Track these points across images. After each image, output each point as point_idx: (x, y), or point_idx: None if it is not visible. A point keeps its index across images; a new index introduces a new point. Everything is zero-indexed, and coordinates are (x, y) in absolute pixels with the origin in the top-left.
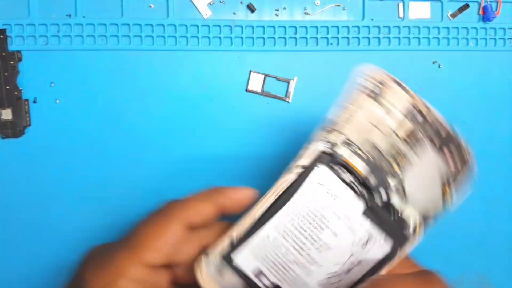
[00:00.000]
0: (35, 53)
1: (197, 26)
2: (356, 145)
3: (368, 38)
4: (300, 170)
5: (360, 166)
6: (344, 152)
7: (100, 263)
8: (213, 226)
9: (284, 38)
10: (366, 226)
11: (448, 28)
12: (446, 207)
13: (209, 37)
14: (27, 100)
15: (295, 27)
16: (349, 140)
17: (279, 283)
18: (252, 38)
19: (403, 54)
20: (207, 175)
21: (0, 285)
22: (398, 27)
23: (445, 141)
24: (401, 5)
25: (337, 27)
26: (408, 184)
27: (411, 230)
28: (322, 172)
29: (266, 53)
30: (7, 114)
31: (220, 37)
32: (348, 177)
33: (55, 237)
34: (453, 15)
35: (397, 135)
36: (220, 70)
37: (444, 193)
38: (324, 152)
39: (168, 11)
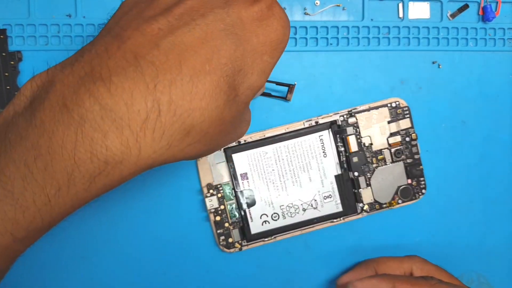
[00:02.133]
0: (35, 53)
1: None
2: (359, 132)
3: (368, 38)
4: (313, 123)
5: (353, 145)
6: (349, 131)
7: None
8: None
9: None
10: (332, 186)
11: (447, 28)
12: (390, 207)
13: None
14: None
15: (295, 27)
16: (357, 124)
17: (254, 190)
18: None
19: (402, 54)
20: None
21: None
22: (398, 27)
23: (412, 166)
24: (400, 5)
25: (337, 27)
26: (375, 177)
27: (361, 206)
28: (326, 133)
29: None
30: None
31: None
32: (341, 147)
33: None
34: (453, 15)
35: (388, 141)
36: None
37: (393, 198)
38: (336, 122)
39: None
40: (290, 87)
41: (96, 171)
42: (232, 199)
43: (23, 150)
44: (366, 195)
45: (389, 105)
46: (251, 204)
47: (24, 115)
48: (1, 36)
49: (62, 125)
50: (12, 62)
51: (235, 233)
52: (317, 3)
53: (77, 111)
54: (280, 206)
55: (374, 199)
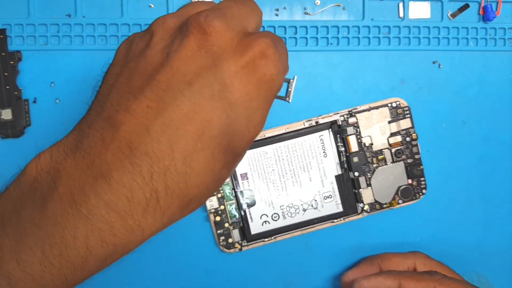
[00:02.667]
0: (35, 53)
1: None
2: (360, 132)
3: (368, 38)
4: (313, 123)
5: (353, 145)
6: (349, 131)
7: None
8: None
9: (284, 38)
10: (333, 186)
11: (448, 28)
12: (391, 207)
13: None
14: (27, 100)
15: (295, 27)
16: (357, 124)
17: (254, 190)
18: None
19: (403, 54)
20: None
21: None
22: (398, 27)
23: (413, 166)
24: (401, 5)
25: (337, 27)
26: (375, 177)
27: (361, 206)
28: (326, 133)
29: None
30: (7, 114)
31: None
32: (341, 147)
33: None
34: (453, 15)
35: (388, 141)
36: None
37: (393, 198)
38: (336, 122)
39: (168, 11)
40: (290, 82)
41: (107, 253)
42: (232, 199)
43: (38, 238)
44: (367, 195)
45: (389, 105)
46: (251, 204)
47: (34, 202)
48: (1, 36)
49: (72, 219)
50: (11, 62)
51: (235, 233)
52: (317, 2)
53: (85, 207)
54: (280, 206)
55: (375, 199)
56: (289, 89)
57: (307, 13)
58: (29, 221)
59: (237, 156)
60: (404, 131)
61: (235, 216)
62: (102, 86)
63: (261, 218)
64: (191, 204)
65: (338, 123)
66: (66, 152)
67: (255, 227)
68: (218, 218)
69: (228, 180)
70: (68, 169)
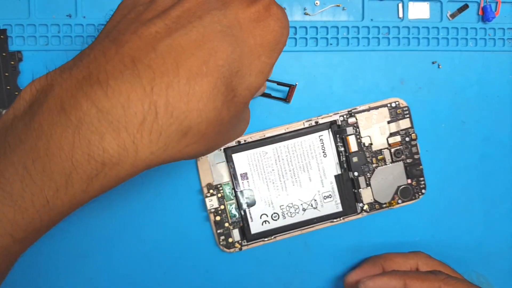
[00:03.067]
0: (35, 53)
1: None
2: (359, 132)
3: (368, 38)
4: (313, 123)
5: (353, 145)
6: (348, 131)
7: None
8: None
9: None
10: (332, 186)
11: (447, 28)
12: (390, 207)
13: None
14: None
15: (295, 28)
16: (356, 124)
17: (254, 190)
18: None
19: (402, 54)
20: None
21: None
22: (398, 27)
23: (412, 166)
24: (400, 5)
25: (337, 27)
26: (375, 177)
27: (361, 205)
28: (326, 133)
29: None
30: None
31: None
32: (341, 147)
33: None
34: (453, 16)
35: (387, 141)
36: None
37: (393, 198)
38: (336, 122)
39: None
40: (291, 87)
41: (94, 172)
42: (232, 199)
43: (22, 153)
44: (366, 195)
45: (389, 105)
46: (251, 204)
47: (23, 119)
48: (1, 36)
49: (59, 128)
50: (12, 62)
51: (235, 233)
52: (317, 3)
53: (75, 114)
54: (280, 206)
55: (374, 199)
56: (290, 93)
57: (307, 14)
58: (14, 137)
59: (237, 99)
60: (404, 131)
61: (235, 215)
62: (108, 24)
63: (261, 217)
64: (189, 134)
65: (337, 123)
66: (62, 70)
67: (255, 227)
68: (218, 218)
69: (227, 180)
70: (63, 82)
